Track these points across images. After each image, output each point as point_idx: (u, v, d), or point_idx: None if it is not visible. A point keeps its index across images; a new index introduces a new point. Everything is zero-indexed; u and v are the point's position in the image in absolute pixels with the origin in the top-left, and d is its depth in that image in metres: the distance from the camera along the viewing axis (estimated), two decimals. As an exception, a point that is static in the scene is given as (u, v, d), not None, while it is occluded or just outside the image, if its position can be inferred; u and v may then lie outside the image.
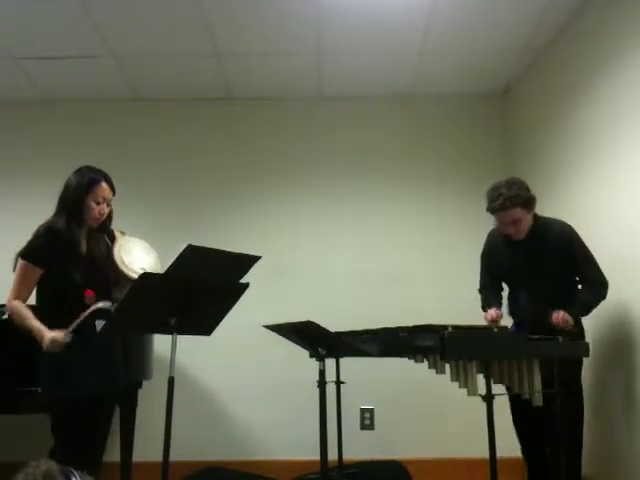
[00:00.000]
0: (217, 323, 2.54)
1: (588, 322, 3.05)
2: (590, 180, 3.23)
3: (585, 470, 2.89)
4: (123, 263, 2.50)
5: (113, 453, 3.49)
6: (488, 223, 3.14)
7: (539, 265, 2.94)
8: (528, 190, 2.89)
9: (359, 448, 3.76)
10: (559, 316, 2.73)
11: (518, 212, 2.84)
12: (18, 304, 2.43)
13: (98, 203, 2.53)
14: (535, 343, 2.59)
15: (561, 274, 2.92)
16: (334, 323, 2.72)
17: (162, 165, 4.34)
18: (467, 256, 3.42)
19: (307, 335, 2.70)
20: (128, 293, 2.23)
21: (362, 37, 3.62)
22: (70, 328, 2.37)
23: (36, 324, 2.39)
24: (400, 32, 3.56)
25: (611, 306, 2.97)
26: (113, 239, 2.62)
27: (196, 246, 2.29)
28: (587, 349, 2.69)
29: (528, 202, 2.86)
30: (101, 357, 2.47)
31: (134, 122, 4.40)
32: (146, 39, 3.63)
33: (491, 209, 2.88)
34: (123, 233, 2.66)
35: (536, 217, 2.98)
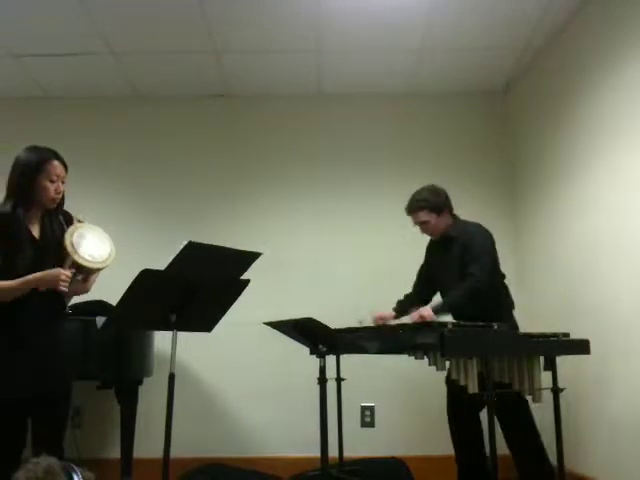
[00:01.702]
0: (218, 320, 2.54)
1: (586, 320, 3.05)
2: (590, 179, 3.23)
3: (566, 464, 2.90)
4: (72, 246, 2.37)
5: (113, 450, 3.50)
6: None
7: (446, 265, 3.14)
8: (438, 195, 3.16)
9: (359, 445, 3.76)
10: (415, 316, 2.85)
11: (424, 215, 3.14)
12: None
13: (53, 181, 2.42)
14: (535, 341, 2.60)
15: (462, 273, 3.01)
16: (334, 320, 2.72)
17: (161, 162, 4.33)
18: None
19: (307, 332, 2.71)
20: (128, 290, 2.22)
21: (362, 35, 3.61)
22: (66, 265, 2.33)
23: (22, 279, 2.28)
24: (400, 30, 3.56)
25: (610, 304, 2.98)
26: (70, 222, 2.50)
27: (196, 243, 2.29)
28: (587, 346, 2.70)
29: (434, 207, 3.13)
30: (37, 354, 2.34)
31: (133, 119, 4.39)
32: (145, 36, 3.62)
33: (405, 212, 3.22)
34: (80, 221, 2.53)
35: (456, 222, 3.19)
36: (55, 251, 2.39)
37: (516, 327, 3.03)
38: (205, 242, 2.33)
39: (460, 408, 3.12)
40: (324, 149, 4.35)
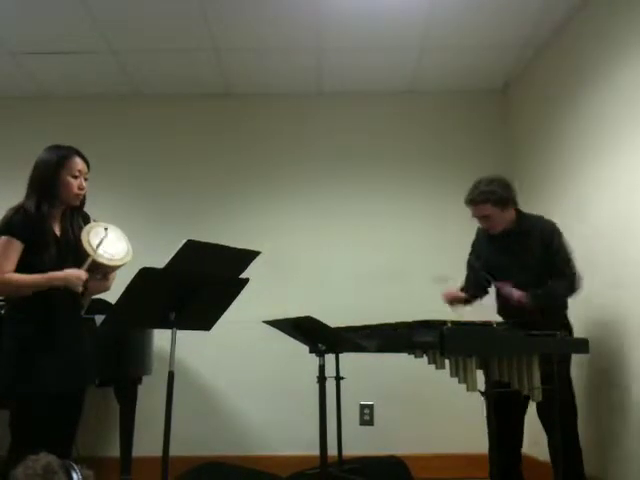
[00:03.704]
0: (217, 318, 2.54)
1: (587, 322, 3.06)
2: (590, 178, 3.23)
3: (588, 470, 2.89)
4: (88, 243, 2.38)
5: (112, 448, 3.50)
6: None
7: (520, 261, 2.97)
8: (507, 189, 2.95)
9: (358, 444, 3.76)
10: (514, 293, 2.80)
11: (488, 208, 2.91)
12: (15, 275, 2.29)
13: (75, 177, 2.42)
14: (534, 339, 2.60)
15: (541, 270, 2.93)
16: (334, 319, 2.72)
17: (161, 160, 4.34)
18: (466, 253, 3.41)
19: (307, 330, 2.71)
20: (127, 288, 2.22)
21: (362, 34, 3.61)
22: (83, 268, 2.35)
23: (38, 276, 2.30)
24: (400, 29, 3.56)
25: (608, 305, 2.98)
26: (88, 223, 2.52)
27: (195, 241, 2.29)
28: (586, 345, 2.69)
29: (500, 200, 2.91)
30: (66, 352, 2.36)
31: (133, 118, 4.39)
32: (145, 35, 3.62)
33: (465, 201, 2.98)
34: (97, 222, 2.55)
35: (520, 214, 3.03)
36: (75, 249, 2.40)
37: (571, 329, 2.92)
38: (205, 240, 2.33)
39: (507, 412, 2.94)
40: (324, 148, 4.35)
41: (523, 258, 2.95)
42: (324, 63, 4.00)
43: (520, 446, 3.06)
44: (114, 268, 2.48)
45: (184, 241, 2.28)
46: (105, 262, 2.41)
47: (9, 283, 2.31)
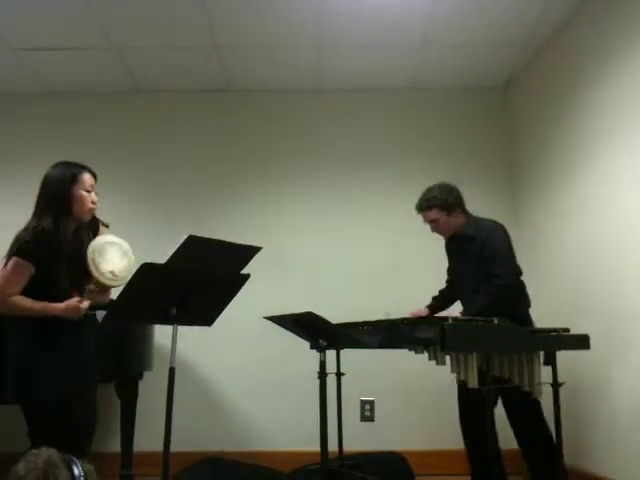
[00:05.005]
0: (218, 314, 2.54)
1: (587, 317, 3.05)
2: (591, 176, 3.22)
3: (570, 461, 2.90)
4: (93, 262, 2.39)
5: (113, 443, 3.50)
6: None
7: (468, 264, 3.06)
8: (451, 194, 3.09)
9: (359, 439, 3.76)
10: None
11: (434, 213, 3.09)
12: (17, 298, 2.31)
13: (88, 192, 2.45)
14: (535, 336, 2.60)
15: (484, 273, 2.95)
16: (335, 315, 2.72)
17: (161, 157, 4.33)
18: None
19: (308, 326, 2.71)
20: (129, 284, 2.22)
21: (362, 30, 3.60)
22: (87, 292, 2.38)
23: (43, 304, 2.32)
24: (401, 25, 3.55)
25: (609, 307, 2.98)
26: (96, 228, 2.52)
27: (197, 237, 2.29)
28: (587, 342, 2.70)
29: (445, 205, 3.07)
30: (67, 354, 2.37)
31: (134, 114, 4.39)
32: (147, 31, 3.62)
33: (415, 208, 3.16)
34: (107, 226, 2.55)
35: (469, 218, 3.12)
36: (82, 268, 2.40)
37: (531, 325, 2.94)
38: (206, 235, 2.33)
39: (473, 406, 2.94)
40: (324, 145, 4.35)
41: (470, 261, 3.05)
42: (325, 60, 3.99)
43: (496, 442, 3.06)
44: (115, 286, 2.49)
45: (185, 237, 2.28)
46: (107, 282, 2.44)
47: (11, 306, 2.32)
